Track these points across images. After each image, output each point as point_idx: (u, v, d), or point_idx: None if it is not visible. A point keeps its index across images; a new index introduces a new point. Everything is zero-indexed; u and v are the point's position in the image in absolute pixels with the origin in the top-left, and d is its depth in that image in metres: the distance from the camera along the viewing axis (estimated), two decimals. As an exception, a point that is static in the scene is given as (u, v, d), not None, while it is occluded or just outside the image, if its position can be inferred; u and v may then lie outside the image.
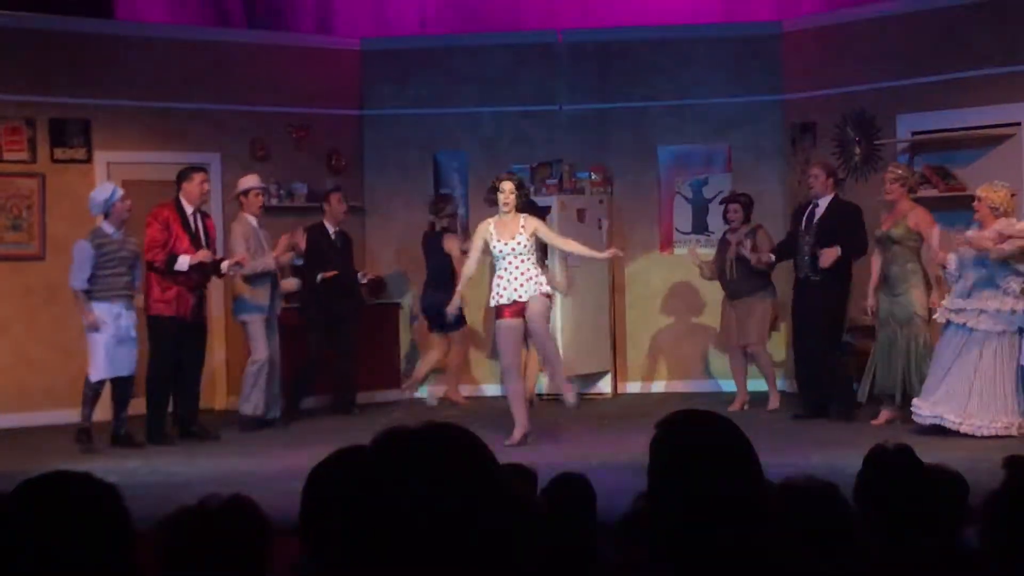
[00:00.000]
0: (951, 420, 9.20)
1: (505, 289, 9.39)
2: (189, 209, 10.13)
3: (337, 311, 11.23)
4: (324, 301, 11.19)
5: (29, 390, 10.97)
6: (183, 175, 10.22)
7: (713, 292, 12.62)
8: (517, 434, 9.41)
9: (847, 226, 10.35)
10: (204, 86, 11.93)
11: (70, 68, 11.36)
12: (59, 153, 11.38)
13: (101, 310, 9.63)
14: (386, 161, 12.72)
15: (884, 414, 10.03)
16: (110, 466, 8.21)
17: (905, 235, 9.94)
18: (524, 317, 9.41)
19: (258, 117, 12.16)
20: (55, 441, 9.71)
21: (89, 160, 11.47)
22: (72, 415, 10.00)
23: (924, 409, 9.40)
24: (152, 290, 10.00)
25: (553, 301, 9.85)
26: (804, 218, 10.57)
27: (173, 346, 10.00)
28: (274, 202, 11.91)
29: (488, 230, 9.51)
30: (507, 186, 9.48)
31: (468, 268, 9.73)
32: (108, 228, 9.74)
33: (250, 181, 10.77)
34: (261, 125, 12.18)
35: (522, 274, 9.39)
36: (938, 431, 9.16)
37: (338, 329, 11.28)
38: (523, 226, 9.44)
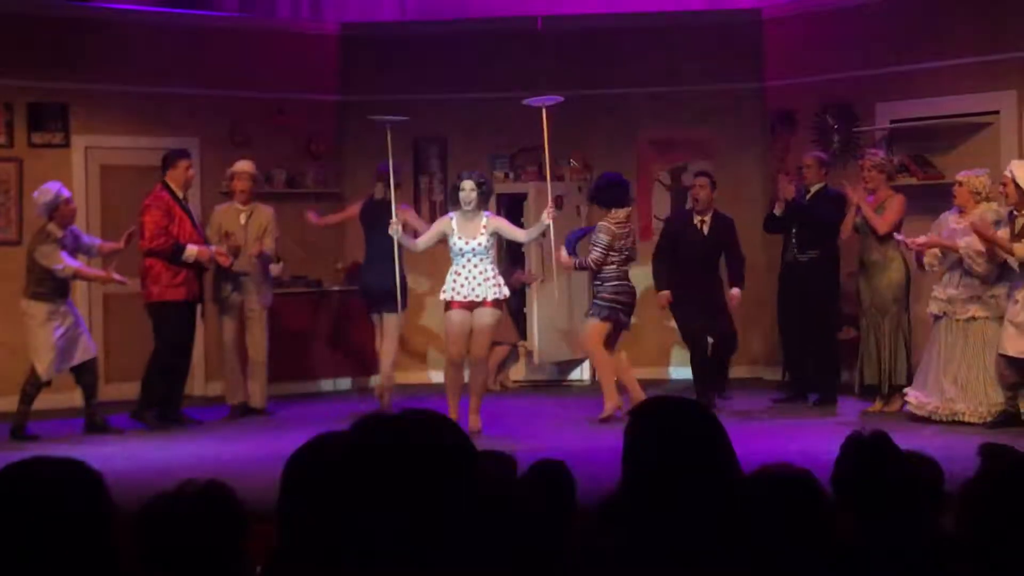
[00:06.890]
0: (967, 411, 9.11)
1: (462, 287, 9.31)
2: (180, 193, 10.08)
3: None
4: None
5: (9, 375, 10.90)
6: (168, 161, 10.12)
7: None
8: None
9: (832, 209, 10.36)
10: (183, 70, 11.87)
11: (48, 52, 11.29)
12: (37, 138, 11.32)
13: (45, 310, 9.43)
14: (365, 147, 12.67)
15: (876, 404, 9.98)
16: (87, 452, 8.17)
17: None
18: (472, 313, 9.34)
19: (237, 102, 12.10)
20: (36, 426, 9.65)
21: (67, 145, 11.41)
22: (55, 400, 10.14)
23: (924, 399, 9.32)
24: (160, 276, 9.88)
25: (504, 308, 9.87)
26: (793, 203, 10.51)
27: (184, 331, 9.99)
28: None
29: (450, 224, 9.43)
30: (468, 184, 9.38)
31: (417, 247, 9.59)
32: (56, 230, 9.46)
33: (241, 166, 10.65)
34: (240, 110, 12.13)
35: (480, 273, 9.33)
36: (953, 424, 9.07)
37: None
38: (485, 226, 9.37)
